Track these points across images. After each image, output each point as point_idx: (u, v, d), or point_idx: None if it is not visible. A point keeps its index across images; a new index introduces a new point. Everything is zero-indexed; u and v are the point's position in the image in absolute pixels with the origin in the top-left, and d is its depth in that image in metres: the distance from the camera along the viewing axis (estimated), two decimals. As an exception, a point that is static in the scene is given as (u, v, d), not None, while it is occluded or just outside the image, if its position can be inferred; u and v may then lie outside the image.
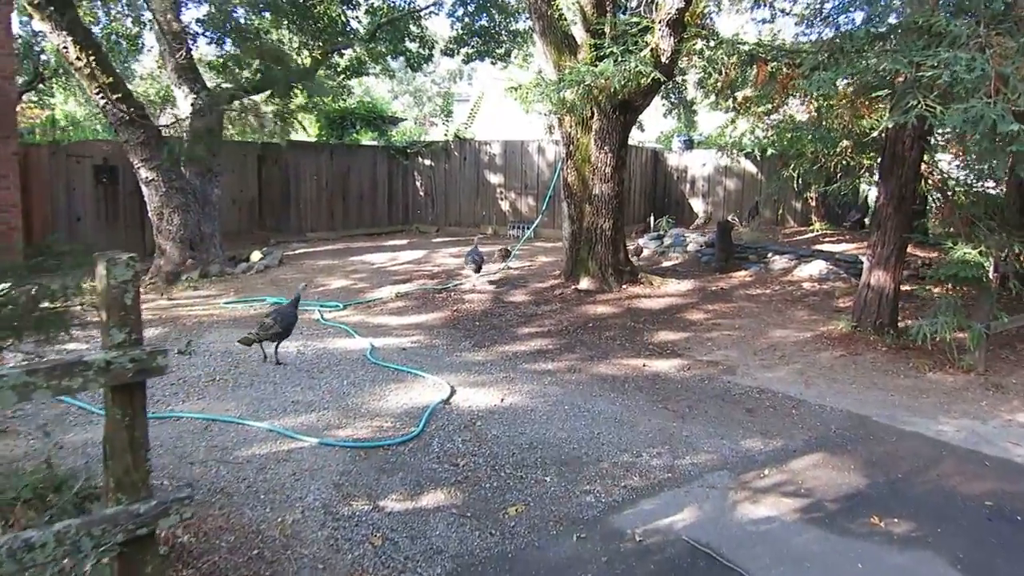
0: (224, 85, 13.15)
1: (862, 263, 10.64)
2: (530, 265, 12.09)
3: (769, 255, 11.59)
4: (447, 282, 10.19)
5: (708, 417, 5.28)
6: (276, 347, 6.27)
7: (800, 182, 12.54)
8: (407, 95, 42.71)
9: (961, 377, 6.35)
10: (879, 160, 7.95)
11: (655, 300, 9.33)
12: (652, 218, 15.83)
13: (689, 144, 20.09)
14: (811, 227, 13.83)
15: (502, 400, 5.50)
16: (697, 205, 18.98)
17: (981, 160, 7.05)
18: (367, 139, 19.64)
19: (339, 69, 18.81)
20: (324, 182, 16.77)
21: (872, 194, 13.03)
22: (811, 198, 13.78)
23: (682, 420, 5.20)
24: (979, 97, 5.05)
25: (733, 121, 17.82)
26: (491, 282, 10.24)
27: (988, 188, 8.40)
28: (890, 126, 6.50)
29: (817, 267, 10.85)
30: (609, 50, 8.01)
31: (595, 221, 9.79)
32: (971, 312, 6.57)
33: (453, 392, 5.63)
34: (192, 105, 11.67)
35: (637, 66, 7.66)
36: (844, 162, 8.79)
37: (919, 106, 5.34)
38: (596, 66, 7.89)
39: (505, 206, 17.45)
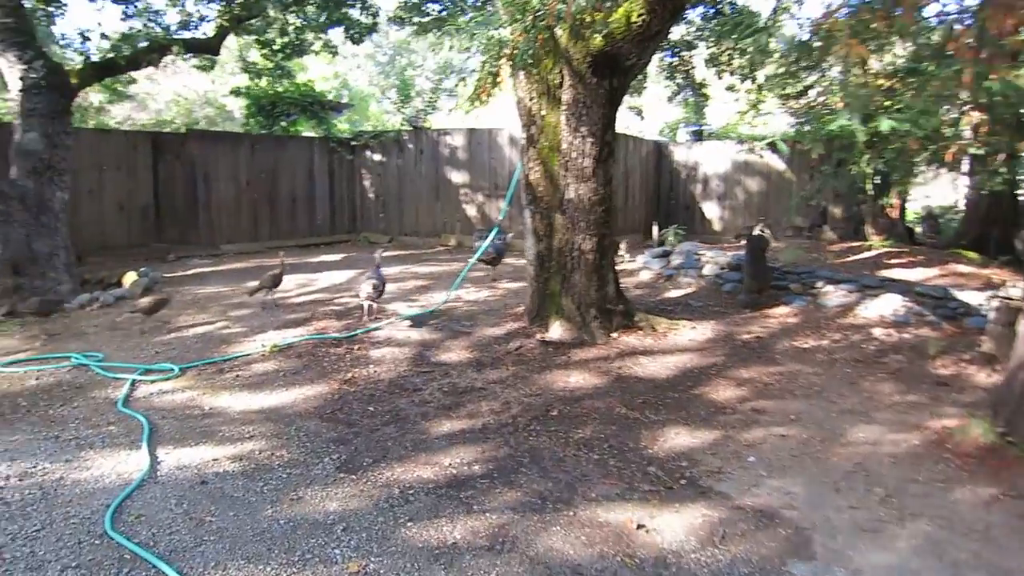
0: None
1: (955, 299, 7.85)
2: (488, 295, 9.24)
3: (818, 284, 8.75)
4: (358, 326, 7.33)
5: None
6: None
7: (865, 182, 9.77)
8: (393, 89, 39.74)
9: None
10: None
11: (659, 360, 6.49)
12: (656, 227, 12.97)
13: (699, 135, 17.28)
14: (867, 243, 10.98)
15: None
16: (711, 210, 16.18)
17: None
18: (307, 130, 16.85)
19: (275, 47, 16.04)
20: (244, 181, 13.90)
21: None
22: (892, 205, 10.94)
23: None
24: None
25: (755, 106, 15.06)
26: (421, 322, 7.40)
27: None
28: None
29: (890, 304, 8.02)
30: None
31: (570, 238, 6.95)
32: None
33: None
34: (21, 79, 8.82)
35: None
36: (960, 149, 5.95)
37: None
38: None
39: (471, 211, 14.64)
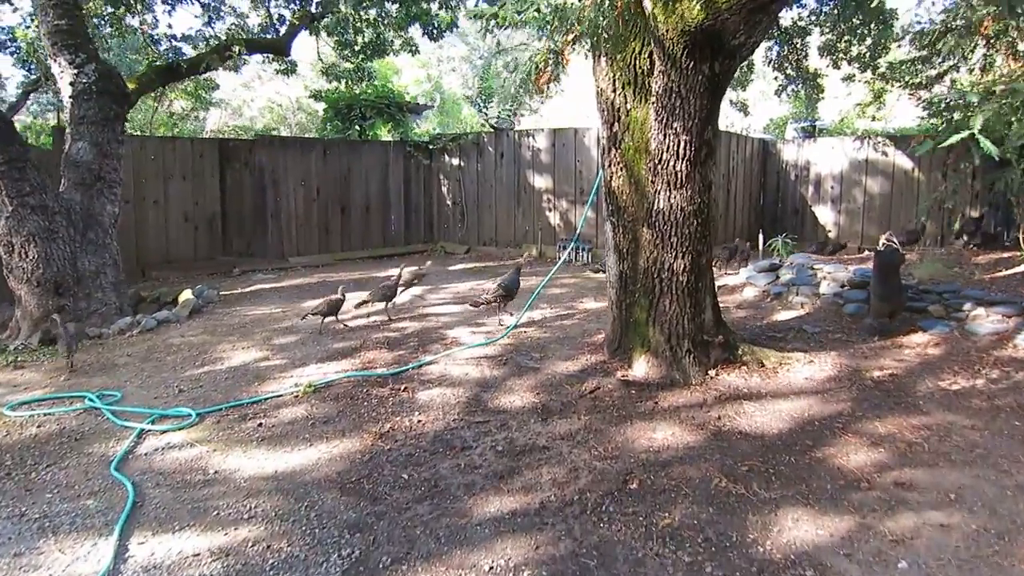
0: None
1: None
2: (564, 315, 8.23)
3: (965, 306, 7.30)
4: (411, 358, 6.47)
5: None
6: None
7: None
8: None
9: None
10: None
11: (769, 407, 5.32)
12: (761, 237, 11.62)
13: (811, 132, 15.70)
14: (1021, 254, 9.32)
15: None
16: (825, 215, 14.63)
17: None
18: (385, 134, 16.30)
19: (357, 48, 15.66)
20: (315, 190, 13.41)
21: None
22: None
23: None
24: None
25: (879, 96, 13.44)
26: (483, 356, 6.47)
27: None
28: None
29: (1061, 332, 6.54)
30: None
31: (659, 256, 5.86)
32: None
33: None
34: (72, 85, 8.46)
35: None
36: None
37: None
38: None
39: (554, 219, 13.67)
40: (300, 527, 3.63)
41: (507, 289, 7.93)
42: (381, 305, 8.16)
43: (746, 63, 16.42)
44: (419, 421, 5.04)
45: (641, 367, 5.93)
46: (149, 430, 4.87)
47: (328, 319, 7.50)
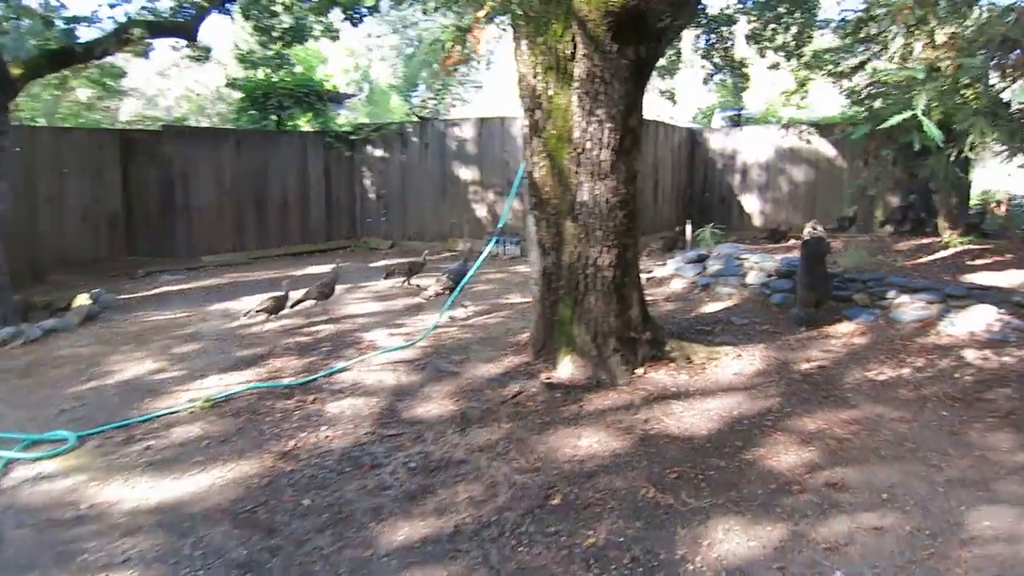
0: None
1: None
2: (489, 313, 7.95)
3: (889, 294, 7.30)
4: (323, 365, 6.07)
5: None
6: None
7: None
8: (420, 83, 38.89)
9: None
10: None
11: (698, 406, 5.13)
12: (689, 226, 11.55)
13: (737, 121, 15.78)
14: (941, 240, 9.45)
15: None
16: (751, 203, 14.71)
17: None
18: (306, 124, 15.68)
19: (276, 34, 14.95)
20: (228, 184, 12.72)
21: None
22: (998, 202, 9.43)
23: None
24: None
25: (803, 84, 13.53)
26: (400, 361, 6.11)
27: None
28: None
29: (982, 318, 6.58)
30: None
31: (583, 250, 5.61)
32: None
33: None
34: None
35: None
36: None
37: None
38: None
39: (482, 211, 13.35)
40: (181, 570, 3.22)
41: (455, 279, 7.83)
42: (314, 303, 7.93)
43: (674, 51, 16.37)
44: (326, 437, 4.66)
45: (566, 368, 5.67)
46: (16, 459, 4.35)
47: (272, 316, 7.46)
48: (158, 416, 5.00)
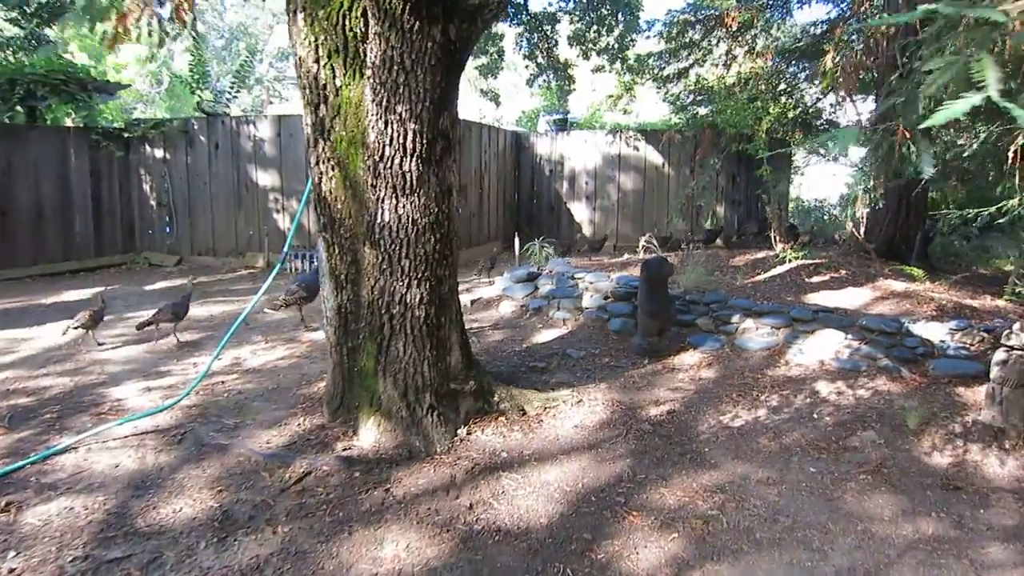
0: None
1: (911, 335, 6.05)
2: (281, 351, 6.61)
3: (734, 319, 6.76)
4: (38, 444, 4.50)
5: None
6: None
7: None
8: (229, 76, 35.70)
9: None
10: None
11: (534, 479, 4.15)
12: (517, 240, 10.70)
13: (563, 125, 15.27)
14: (776, 254, 9.18)
15: None
16: (581, 212, 14.23)
17: None
18: (69, 119, 13.36)
19: (30, 10, 12.67)
20: (-44, 190, 10.36)
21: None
22: (859, 218, 9.16)
23: None
24: None
25: (628, 89, 13.18)
26: (152, 429, 4.67)
27: None
28: None
29: (830, 344, 6.18)
30: None
31: (387, 284, 4.47)
32: None
33: None
34: None
35: None
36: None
37: None
38: None
39: (284, 222, 11.85)
40: None
41: (308, 289, 7.37)
42: (169, 326, 7.00)
43: (496, 49, 15.63)
44: (10, 572, 3.20)
45: (370, 434, 4.50)
46: None
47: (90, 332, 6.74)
48: None
